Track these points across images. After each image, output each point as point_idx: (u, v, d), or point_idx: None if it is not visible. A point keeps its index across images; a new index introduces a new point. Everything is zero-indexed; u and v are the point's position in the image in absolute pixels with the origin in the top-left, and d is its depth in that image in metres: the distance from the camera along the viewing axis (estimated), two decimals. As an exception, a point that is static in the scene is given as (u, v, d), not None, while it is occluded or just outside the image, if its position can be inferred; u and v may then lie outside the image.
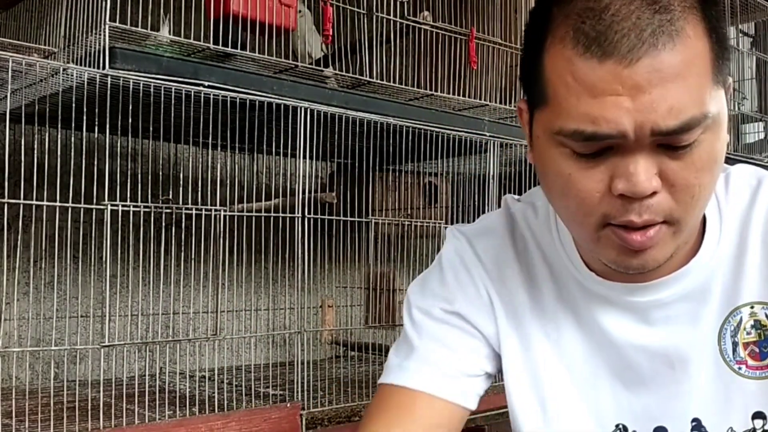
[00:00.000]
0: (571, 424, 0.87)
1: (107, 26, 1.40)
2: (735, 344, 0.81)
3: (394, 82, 1.92)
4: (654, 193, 0.69)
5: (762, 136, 3.60)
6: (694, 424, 0.82)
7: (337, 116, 1.78)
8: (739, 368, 0.80)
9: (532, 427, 0.89)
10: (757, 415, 0.80)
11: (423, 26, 1.99)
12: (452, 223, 2.16)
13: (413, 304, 0.93)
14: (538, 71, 0.72)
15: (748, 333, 0.80)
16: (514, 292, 0.90)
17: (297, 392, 1.68)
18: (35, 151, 1.44)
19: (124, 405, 1.57)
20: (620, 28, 0.65)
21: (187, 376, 2.05)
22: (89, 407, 1.61)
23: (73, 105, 1.40)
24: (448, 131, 1.97)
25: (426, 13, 2.01)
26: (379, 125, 1.87)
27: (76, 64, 1.42)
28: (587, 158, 0.70)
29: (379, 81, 1.87)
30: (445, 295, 0.91)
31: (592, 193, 0.71)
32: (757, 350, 0.80)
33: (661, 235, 0.72)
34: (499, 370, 0.92)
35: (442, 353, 0.89)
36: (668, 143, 0.68)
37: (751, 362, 0.80)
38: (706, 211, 0.81)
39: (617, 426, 0.86)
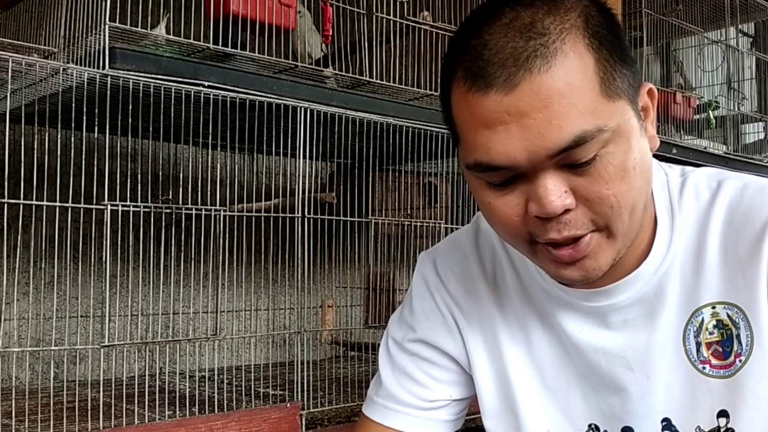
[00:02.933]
0: (545, 426, 0.89)
1: (107, 26, 1.40)
2: (698, 344, 0.82)
3: (394, 82, 1.92)
4: (568, 210, 0.72)
5: (762, 136, 3.60)
6: (664, 423, 0.84)
7: (337, 116, 1.78)
8: (704, 368, 0.82)
9: None
10: (722, 413, 0.81)
11: (423, 26, 1.99)
12: (452, 223, 2.16)
13: (389, 334, 1.00)
14: (448, 111, 0.77)
15: (711, 333, 0.81)
16: (481, 305, 0.94)
17: (297, 392, 1.68)
18: (35, 151, 1.44)
19: (124, 405, 1.57)
20: (497, 60, 0.69)
21: (187, 376, 2.05)
22: (89, 407, 1.61)
23: (73, 105, 1.40)
24: (448, 131, 1.97)
25: (426, 13, 2.01)
26: (379, 125, 1.87)
27: (76, 64, 1.42)
28: (499, 187, 0.74)
29: (378, 81, 1.87)
30: (412, 323, 0.97)
31: (512, 217, 0.75)
32: (720, 350, 0.81)
33: (593, 244, 0.74)
34: (472, 393, 0.97)
35: (408, 387, 0.96)
36: (569, 162, 0.70)
37: (714, 362, 0.81)
38: (658, 214, 0.83)
39: (590, 426, 0.88)
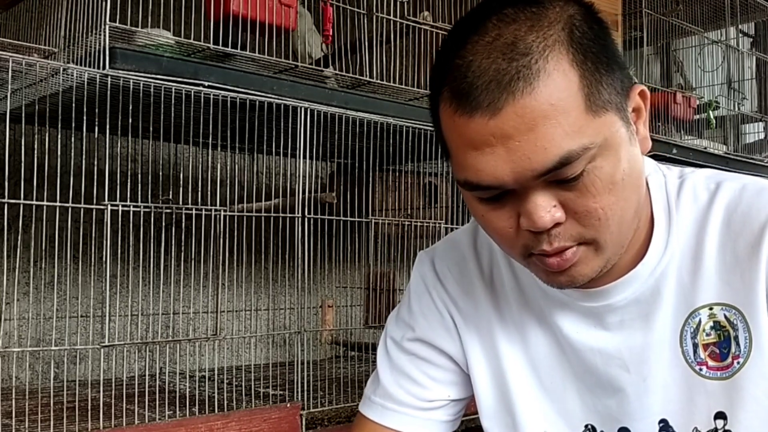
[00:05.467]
0: (542, 426, 0.90)
1: (107, 26, 1.40)
2: (695, 346, 0.82)
3: (394, 82, 1.92)
4: (559, 224, 0.73)
5: (762, 136, 3.60)
6: (661, 425, 0.84)
7: (337, 116, 1.78)
8: (700, 369, 0.82)
9: None
10: (719, 415, 0.81)
11: (423, 26, 1.99)
12: (452, 224, 2.16)
13: (388, 333, 1.00)
14: (438, 126, 0.77)
15: (708, 334, 0.81)
16: (479, 304, 0.94)
17: (297, 392, 1.68)
18: (35, 151, 1.44)
19: (124, 405, 1.57)
20: (481, 83, 0.69)
21: (187, 376, 2.05)
22: (89, 407, 1.61)
23: (73, 105, 1.40)
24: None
25: (426, 13, 2.01)
26: (379, 125, 1.87)
27: (76, 64, 1.42)
28: (491, 202, 0.75)
29: (379, 81, 1.87)
30: (410, 323, 0.98)
31: (506, 230, 0.76)
32: (717, 351, 0.81)
33: (579, 255, 0.76)
34: (470, 394, 0.97)
35: (406, 387, 0.96)
36: (557, 179, 0.71)
37: (711, 363, 0.81)
38: (655, 215, 0.83)
39: (586, 426, 0.89)
